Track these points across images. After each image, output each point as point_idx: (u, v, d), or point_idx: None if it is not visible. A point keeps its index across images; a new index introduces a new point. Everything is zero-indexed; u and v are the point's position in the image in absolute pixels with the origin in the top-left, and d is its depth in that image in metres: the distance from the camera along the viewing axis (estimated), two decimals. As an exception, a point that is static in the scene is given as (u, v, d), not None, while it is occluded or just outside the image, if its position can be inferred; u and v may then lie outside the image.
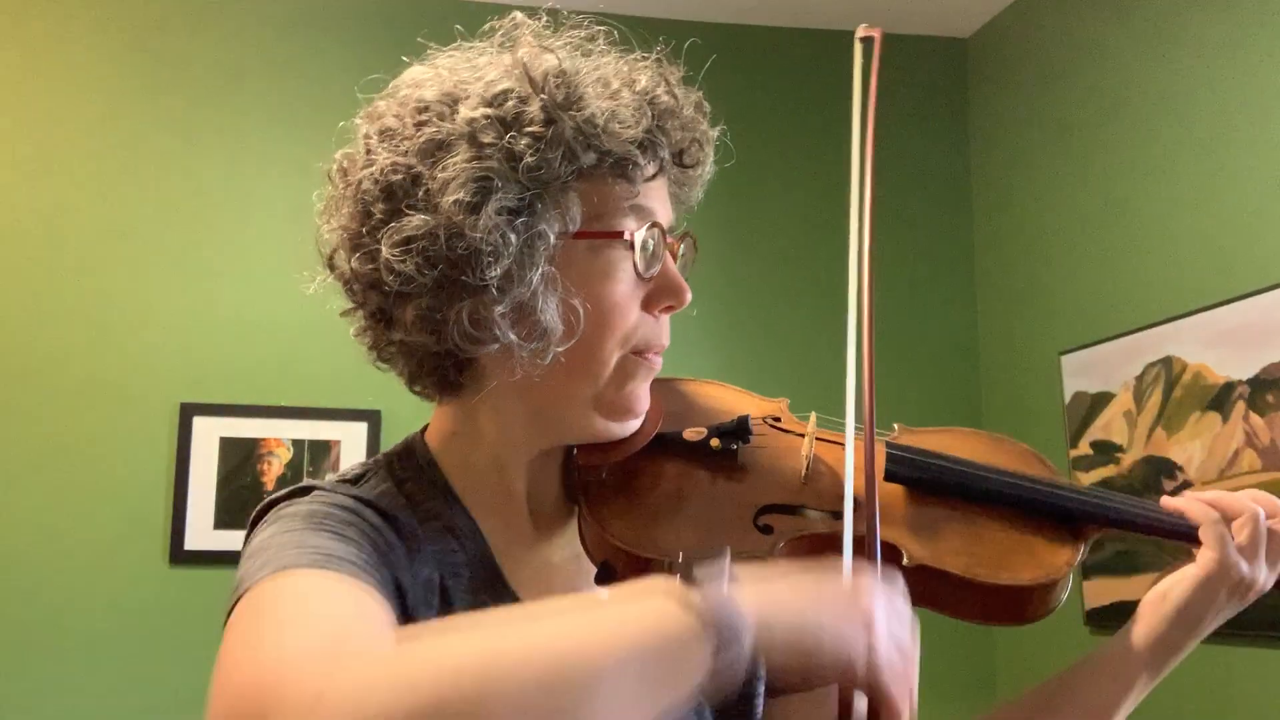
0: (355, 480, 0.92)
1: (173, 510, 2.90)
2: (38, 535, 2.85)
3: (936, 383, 3.41)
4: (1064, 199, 3.15)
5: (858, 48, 1.00)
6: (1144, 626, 0.99)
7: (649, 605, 0.66)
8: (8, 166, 3.00)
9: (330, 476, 0.93)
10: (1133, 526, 1.01)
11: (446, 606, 0.86)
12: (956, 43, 3.62)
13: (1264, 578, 0.98)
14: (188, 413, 2.95)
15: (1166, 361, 2.68)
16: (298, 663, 0.61)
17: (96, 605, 2.83)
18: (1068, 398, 3.00)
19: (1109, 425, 2.86)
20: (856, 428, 0.91)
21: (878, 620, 0.71)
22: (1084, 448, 2.93)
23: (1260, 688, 2.42)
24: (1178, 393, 2.64)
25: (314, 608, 0.70)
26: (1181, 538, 1.00)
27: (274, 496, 0.87)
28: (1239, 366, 2.48)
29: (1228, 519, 0.98)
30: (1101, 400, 2.88)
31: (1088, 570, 2.79)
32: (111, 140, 3.06)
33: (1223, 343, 2.53)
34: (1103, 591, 2.75)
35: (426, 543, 0.87)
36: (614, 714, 0.61)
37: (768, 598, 0.69)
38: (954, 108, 3.60)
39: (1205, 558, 0.97)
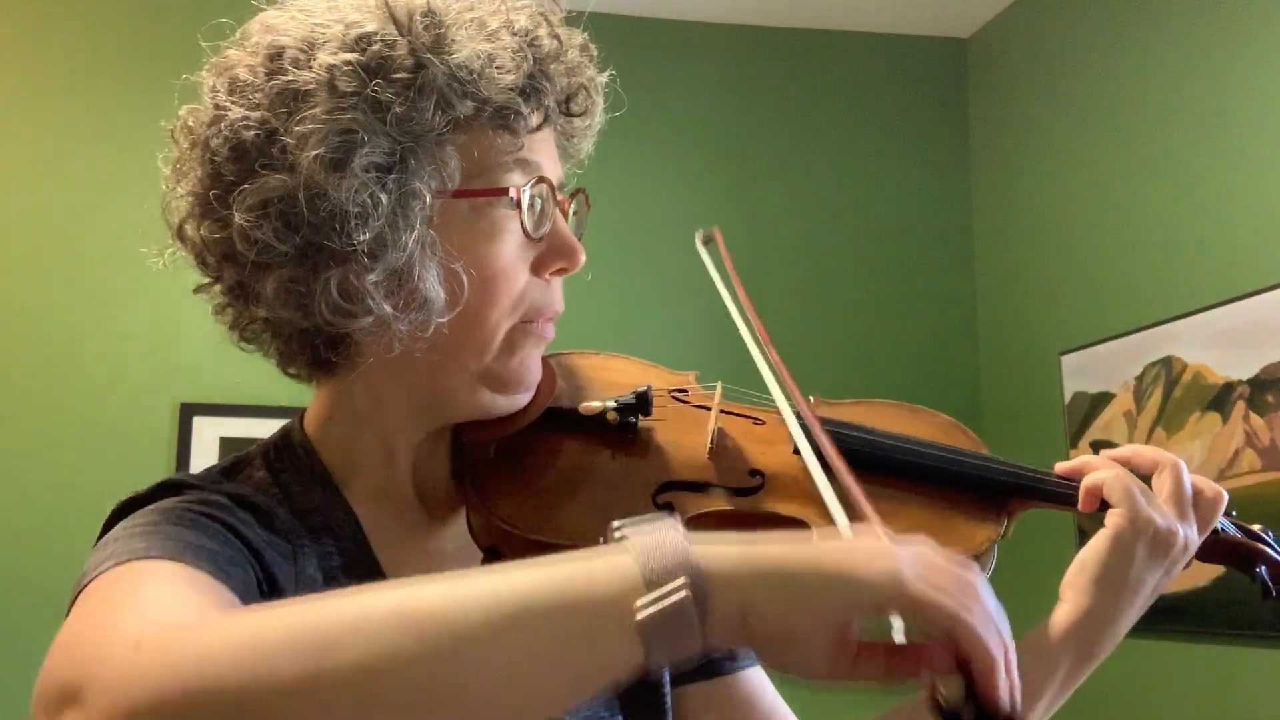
0: (228, 470, 0.84)
1: (173, 510, 2.90)
2: (38, 535, 2.85)
3: (936, 382, 3.41)
4: (1064, 199, 3.15)
5: (702, 251, 0.95)
6: (1066, 600, 0.92)
7: (565, 561, 0.53)
8: (7, 167, 3.00)
9: (201, 471, 0.85)
10: (1058, 500, 0.95)
11: None
12: (956, 43, 3.62)
13: (1184, 532, 0.91)
14: (188, 413, 2.95)
15: (1166, 361, 2.68)
16: (113, 640, 0.55)
17: (96, 605, 2.83)
18: (1068, 398, 3.00)
19: (1109, 425, 2.86)
20: (775, 401, 0.86)
21: (899, 550, 0.56)
22: (1084, 448, 2.93)
23: (1260, 688, 2.42)
24: (1178, 393, 2.64)
25: (148, 591, 0.62)
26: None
27: (137, 493, 0.78)
28: (1239, 366, 2.48)
29: (1141, 474, 0.93)
30: (1101, 400, 2.89)
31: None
32: (111, 139, 3.06)
33: (1223, 343, 2.53)
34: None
35: (308, 540, 0.80)
36: (503, 695, 0.49)
37: (733, 547, 0.54)
38: (954, 108, 3.60)
39: (1113, 515, 0.91)
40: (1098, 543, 0.91)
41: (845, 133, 3.53)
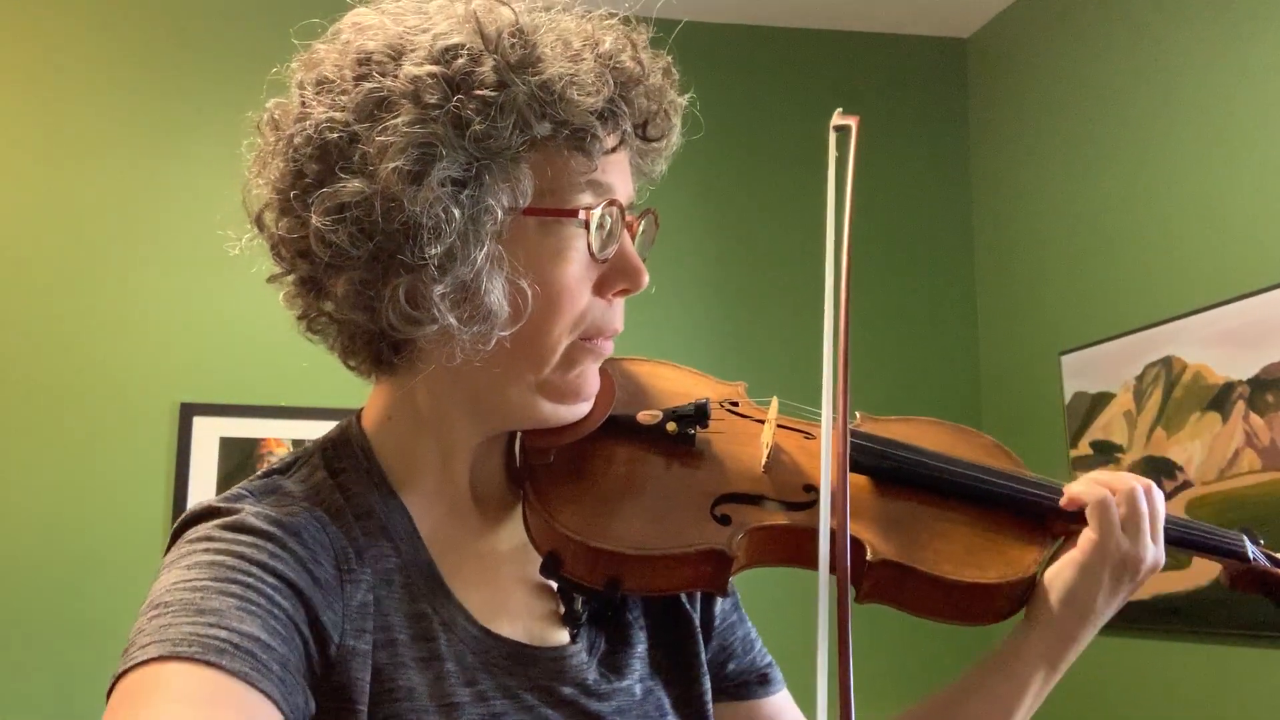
0: (285, 470, 0.86)
1: (173, 510, 2.90)
2: (38, 535, 2.85)
3: (936, 383, 3.42)
4: (1064, 199, 3.15)
5: (832, 137, 0.91)
6: (1034, 620, 0.93)
7: None
8: (7, 167, 3.00)
9: (259, 473, 0.87)
10: None
11: (382, 618, 0.80)
12: (956, 43, 3.62)
13: (1151, 554, 0.92)
14: (188, 413, 2.95)
15: (1166, 361, 2.68)
16: None
17: (97, 605, 2.83)
18: (1068, 398, 3.00)
19: (1109, 425, 2.86)
20: (831, 416, 0.87)
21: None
22: (1084, 448, 2.93)
23: (1260, 688, 2.42)
24: (1178, 393, 2.64)
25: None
26: (1174, 543, 0.96)
27: (199, 510, 0.81)
28: (1239, 366, 2.48)
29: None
30: (1101, 400, 2.88)
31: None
32: (112, 139, 3.06)
33: (1223, 343, 2.53)
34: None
35: (364, 549, 0.81)
36: None
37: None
38: (954, 108, 3.60)
39: (1085, 539, 0.92)
40: (1065, 567, 0.92)
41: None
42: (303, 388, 2.94)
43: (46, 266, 2.97)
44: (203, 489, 2.92)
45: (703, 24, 3.42)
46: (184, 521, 0.81)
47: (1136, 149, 2.89)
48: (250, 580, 0.73)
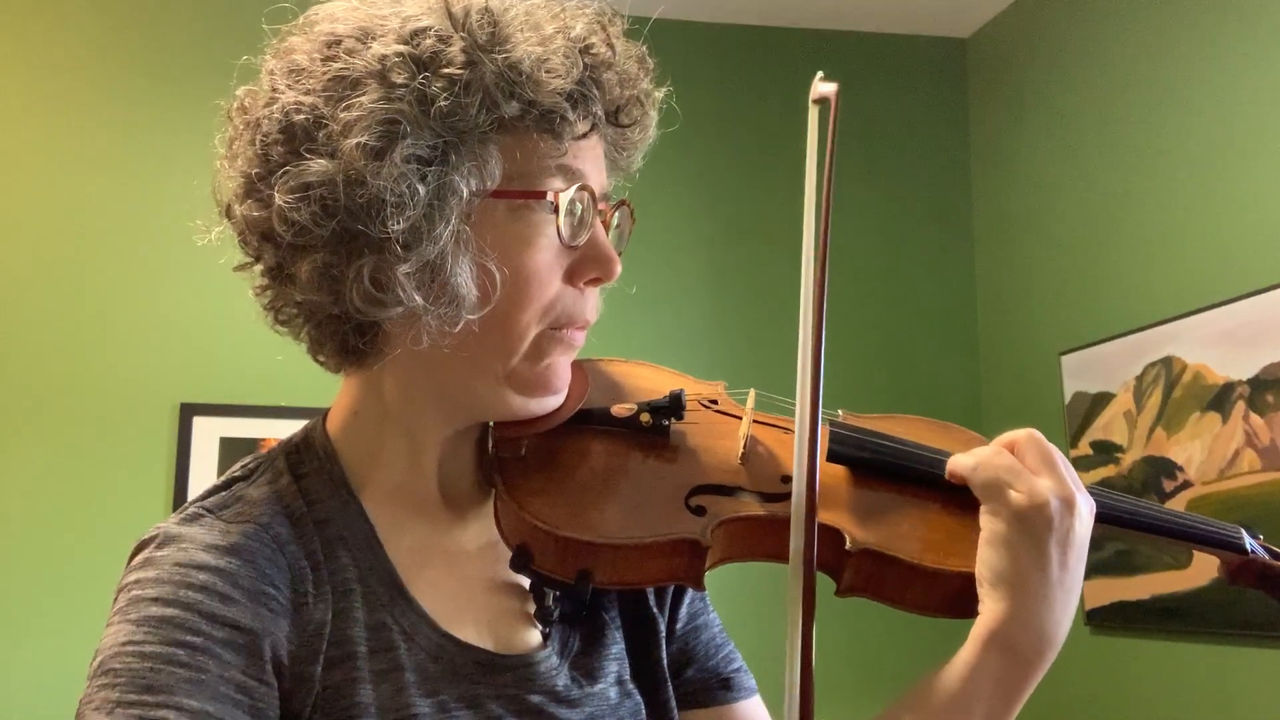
0: (248, 476, 0.86)
1: (172, 510, 2.90)
2: (37, 535, 2.85)
3: (936, 382, 3.42)
4: (1064, 199, 3.15)
5: (813, 110, 0.88)
6: (980, 608, 0.84)
7: None
8: (8, 167, 3.00)
9: (221, 480, 0.86)
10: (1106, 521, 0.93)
11: (339, 633, 0.79)
12: (956, 43, 3.62)
13: (1050, 491, 0.82)
14: (188, 413, 2.95)
15: (1166, 361, 2.68)
16: None
17: (96, 606, 2.82)
18: (1068, 398, 3.00)
19: (1109, 425, 2.86)
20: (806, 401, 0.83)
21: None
22: (1084, 448, 2.93)
23: (1260, 688, 2.42)
24: (1178, 393, 2.64)
25: None
26: (1145, 529, 0.94)
27: (154, 536, 0.80)
28: (1239, 366, 2.48)
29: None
30: (1101, 400, 2.89)
31: (1087, 570, 2.79)
32: (112, 140, 3.06)
33: (1223, 343, 2.53)
34: (1103, 591, 2.75)
35: (323, 562, 0.81)
36: None
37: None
38: (954, 108, 3.60)
39: (982, 513, 0.83)
40: (980, 548, 0.83)
41: (845, 132, 3.52)
42: (303, 388, 2.94)
43: (47, 267, 2.97)
44: (202, 489, 2.92)
45: (702, 23, 3.42)
46: (140, 545, 0.80)
47: (1136, 149, 2.89)
48: (199, 641, 0.73)
